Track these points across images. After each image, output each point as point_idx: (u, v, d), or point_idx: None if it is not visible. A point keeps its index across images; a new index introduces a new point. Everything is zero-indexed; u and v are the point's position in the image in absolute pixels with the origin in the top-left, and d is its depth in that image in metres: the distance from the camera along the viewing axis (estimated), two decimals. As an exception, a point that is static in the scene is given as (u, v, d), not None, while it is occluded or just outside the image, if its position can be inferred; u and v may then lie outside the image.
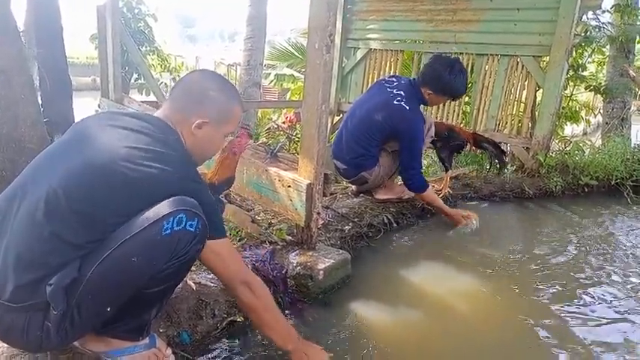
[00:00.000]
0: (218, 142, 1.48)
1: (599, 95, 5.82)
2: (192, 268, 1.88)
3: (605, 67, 6.21)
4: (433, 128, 3.03)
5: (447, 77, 2.73)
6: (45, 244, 1.17)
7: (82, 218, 1.18)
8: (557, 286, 2.24)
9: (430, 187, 2.89)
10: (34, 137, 3.16)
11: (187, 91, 1.43)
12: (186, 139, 1.38)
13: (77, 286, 1.16)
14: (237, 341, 1.70)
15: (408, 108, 2.73)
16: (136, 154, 1.22)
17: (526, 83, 3.96)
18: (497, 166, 3.46)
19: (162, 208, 1.19)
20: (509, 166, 3.87)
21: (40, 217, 1.17)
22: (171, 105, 1.42)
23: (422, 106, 2.92)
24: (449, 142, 3.16)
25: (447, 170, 3.26)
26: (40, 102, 4.08)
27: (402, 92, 2.78)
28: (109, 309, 1.22)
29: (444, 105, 4.40)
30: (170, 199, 1.21)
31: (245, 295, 1.43)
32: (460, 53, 4.21)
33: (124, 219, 1.20)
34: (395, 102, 2.75)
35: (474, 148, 3.45)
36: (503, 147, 3.63)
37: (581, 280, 2.32)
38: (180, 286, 1.75)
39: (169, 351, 1.48)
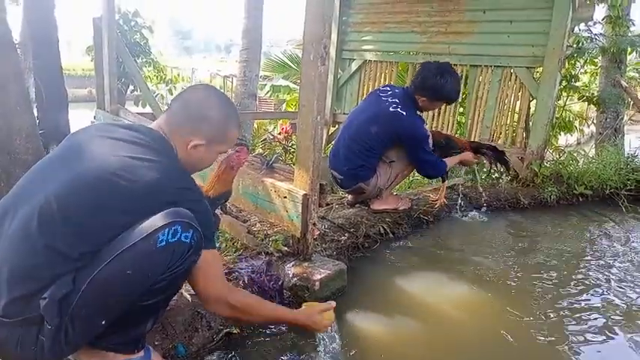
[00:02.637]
0: (211, 160, 1.49)
1: (592, 105, 5.88)
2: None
3: (597, 77, 6.28)
4: (431, 139, 3.04)
5: (438, 82, 2.76)
6: (38, 257, 1.16)
7: (76, 230, 1.18)
8: (553, 294, 2.24)
9: (445, 161, 2.99)
10: (29, 149, 3.16)
11: (187, 108, 1.42)
12: (179, 154, 1.38)
13: (71, 300, 1.15)
14: (233, 353, 1.69)
15: (404, 113, 2.75)
16: (130, 164, 1.23)
17: (520, 94, 3.99)
18: (501, 168, 3.46)
19: (157, 219, 1.19)
20: (510, 165, 3.87)
21: (33, 230, 1.17)
22: (168, 118, 1.41)
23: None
24: (446, 151, 3.18)
25: (443, 180, 3.27)
26: (35, 113, 4.08)
27: (397, 100, 2.81)
28: (103, 322, 1.20)
29: (438, 115, 4.43)
30: (165, 211, 1.21)
31: (226, 313, 1.42)
32: (454, 64, 4.24)
33: (119, 230, 1.19)
34: (391, 109, 2.77)
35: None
36: (499, 147, 3.63)
37: (577, 288, 2.32)
38: (175, 298, 1.74)
39: (164, 364, 1.47)
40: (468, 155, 3.13)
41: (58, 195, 1.19)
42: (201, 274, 1.34)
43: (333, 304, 1.61)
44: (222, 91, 1.58)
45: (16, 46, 3.57)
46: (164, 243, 1.18)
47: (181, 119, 1.40)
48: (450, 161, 3.07)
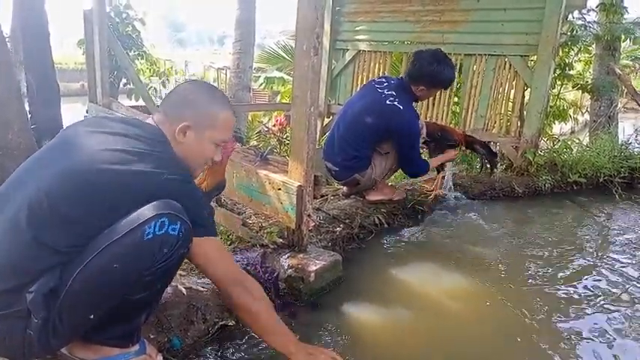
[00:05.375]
0: (207, 149, 1.42)
1: (586, 93, 5.87)
2: (182, 272, 1.88)
3: (591, 65, 6.27)
4: (425, 129, 3.03)
5: (435, 69, 2.76)
6: (26, 250, 1.15)
7: (64, 224, 1.17)
8: (550, 282, 2.26)
9: (429, 162, 3.05)
10: (21, 143, 3.14)
11: (172, 97, 1.45)
12: (174, 147, 1.36)
13: (58, 294, 1.15)
14: (228, 345, 1.69)
15: (401, 107, 2.73)
16: (119, 157, 1.22)
17: (514, 83, 3.98)
18: (489, 168, 3.48)
19: (144, 212, 1.18)
20: (498, 166, 3.90)
21: (22, 223, 1.16)
22: (160, 112, 1.43)
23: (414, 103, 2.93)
24: (441, 143, 3.17)
25: (438, 171, 3.27)
26: (27, 108, 4.05)
27: (393, 92, 2.79)
28: (92, 316, 1.20)
29: (433, 105, 4.42)
30: (152, 204, 1.20)
31: (240, 297, 1.38)
32: (448, 53, 4.22)
33: (109, 222, 1.19)
34: (387, 102, 2.75)
35: (464, 148, 3.46)
36: (493, 148, 3.66)
37: (573, 275, 2.34)
38: (170, 291, 1.74)
39: (160, 357, 1.47)
40: (450, 154, 3.20)
41: (48, 189, 1.18)
42: (217, 262, 1.37)
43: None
44: (214, 84, 1.58)
45: (7, 39, 3.53)
46: (151, 236, 1.17)
47: (168, 108, 1.42)
48: (434, 162, 3.14)
